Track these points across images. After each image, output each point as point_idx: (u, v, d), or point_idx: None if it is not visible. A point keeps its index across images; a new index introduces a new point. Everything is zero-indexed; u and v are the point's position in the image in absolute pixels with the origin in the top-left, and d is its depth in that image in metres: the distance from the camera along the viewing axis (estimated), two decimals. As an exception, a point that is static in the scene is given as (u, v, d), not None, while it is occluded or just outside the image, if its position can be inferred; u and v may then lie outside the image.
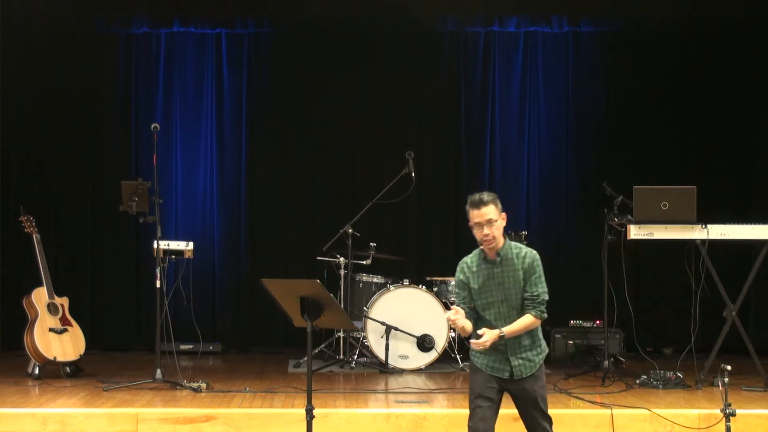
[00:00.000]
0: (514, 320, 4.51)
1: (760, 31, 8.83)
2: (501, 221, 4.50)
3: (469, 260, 4.62)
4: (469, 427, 4.55)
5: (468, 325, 4.49)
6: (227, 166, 9.05)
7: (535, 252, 4.59)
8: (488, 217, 4.44)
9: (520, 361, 4.52)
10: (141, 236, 8.64)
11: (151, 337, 6.96)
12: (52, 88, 8.76)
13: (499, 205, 4.51)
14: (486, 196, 4.49)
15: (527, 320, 4.52)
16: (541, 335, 4.66)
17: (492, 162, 9.11)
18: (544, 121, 9.16)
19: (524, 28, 9.08)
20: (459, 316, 4.40)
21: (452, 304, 4.57)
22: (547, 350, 4.69)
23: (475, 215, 4.46)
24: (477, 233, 4.49)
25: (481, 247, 4.56)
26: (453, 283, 4.62)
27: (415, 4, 8.61)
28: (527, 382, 4.55)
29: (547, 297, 4.57)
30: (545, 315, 4.58)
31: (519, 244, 4.61)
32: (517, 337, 4.51)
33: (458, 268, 4.62)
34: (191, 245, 7.45)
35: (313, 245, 8.47)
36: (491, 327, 4.48)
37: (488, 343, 4.41)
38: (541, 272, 4.56)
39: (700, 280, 6.73)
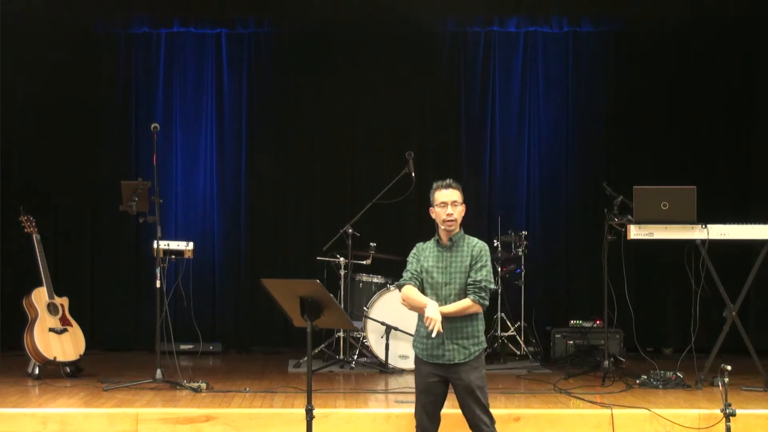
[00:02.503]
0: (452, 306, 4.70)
1: (760, 30, 8.83)
2: (462, 208, 4.80)
3: (424, 244, 4.90)
4: (416, 419, 4.84)
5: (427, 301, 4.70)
6: (227, 166, 9.04)
7: (485, 243, 4.85)
8: (453, 198, 4.76)
9: (455, 346, 4.68)
10: (141, 236, 8.64)
11: (151, 337, 6.96)
12: (52, 88, 8.76)
13: (462, 195, 4.82)
14: (452, 180, 4.85)
15: (465, 303, 4.70)
16: (482, 329, 4.82)
17: (492, 162, 9.11)
18: (544, 121, 9.16)
19: (524, 28, 9.08)
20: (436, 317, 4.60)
21: (405, 272, 4.87)
22: (485, 345, 4.84)
23: (444, 195, 4.78)
24: (440, 213, 4.76)
25: (440, 230, 4.80)
26: (408, 257, 4.94)
27: (415, 4, 8.61)
28: (463, 371, 4.70)
29: (491, 286, 4.75)
30: (486, 302, 4.76)
31: (473, 237, 4.87)
32: (455, 325, 4.68)
33: (415, 248, 4.92)
34: (191, 245, 7.44)
35: (313, 245, 8.47)
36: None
37: (437, 320, 4.55)
38: (488, 262, 4.78)
39: (700, 280, 6.73)
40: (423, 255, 4.82)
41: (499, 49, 9.13)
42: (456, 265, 4.73)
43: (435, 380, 4.73)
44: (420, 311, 4.69)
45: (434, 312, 4.55)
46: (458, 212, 4.76)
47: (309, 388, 4.71)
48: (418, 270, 4.78)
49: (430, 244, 4.86)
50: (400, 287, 4.79)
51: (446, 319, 4.63)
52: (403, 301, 4.78)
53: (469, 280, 4.70)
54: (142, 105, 9.01)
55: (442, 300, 4.69)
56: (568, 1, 8.87)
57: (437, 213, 4.78)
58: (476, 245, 4.78)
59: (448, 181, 4.84)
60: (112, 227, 8.79)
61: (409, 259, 4.86)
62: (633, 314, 7.20)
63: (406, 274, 4.80)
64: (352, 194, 8.97)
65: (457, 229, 4.79)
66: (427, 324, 4.53)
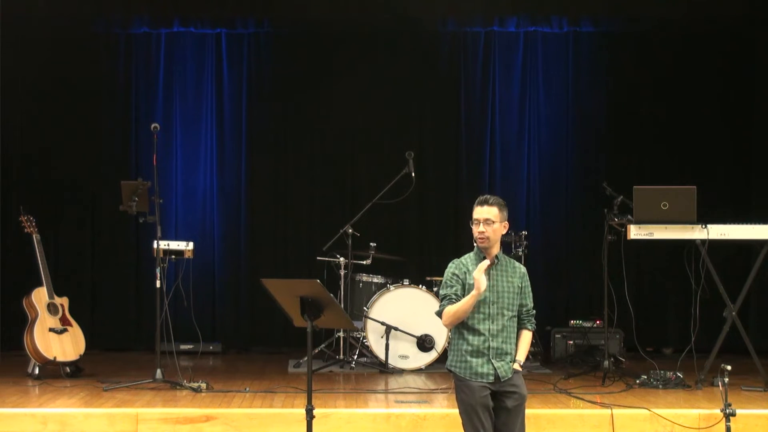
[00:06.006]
0: (501, 323, 4.56)
1: (760, 30, 8.84)
2: (500, 227, 4.62)
3: (465, 260, 4.68)
4: None
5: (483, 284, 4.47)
6: (227, 166, 9.05)
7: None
8: (486, 217, 4.57)
9: (502, 363, 4.56)
10: (141, 236, 8.64)
11: (151, 337, 6.96)
12: (52, 88, 8.76)
13: (504, 213, 4.64)
14: (492, 198, 4.64)
15: (528, 337, 4.73)
16: None
17: (492, 162, 9.11)
18: (544, 121, 9.16)
19: (524, 28, 9.08)
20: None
21: (444, 298, 4.62)
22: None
23: (478, 212, 4.60)
24: (474, 229, 4.61)
25: (477, 246, 4.64)
26: (446, 278, 4.66)
27: (415, 4, 8.61)
28: (516, 378, 4.58)
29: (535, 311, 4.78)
30: (535, 327, 4.78)
31: (510, 258, 4.78)
32: (500, 345, 4.55)
33: (452, 265, 4.67)
34: (191, 245, 7.44)
35: (313, 245, 8.47)
36: (477, 326, 4.53)
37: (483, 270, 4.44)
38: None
39: (700, 280, 6.73)
40: (467, 272, 4.57)
41: (499, 49, 9.13)
42: (503, 283, 4.60)
43: (487, 393, 4.54)
44: (472, 302, 4.45)
45: (477, 272, 4.42)
46: (492, 231, 4.55)
47: (309, 388, 4.70)
48: (461, 294, 4.55)
49: (471, 259, 4.63)
50: (441, 313, 4.56)
51: (494, 339, 4.54)
52: (451, 322, 4.52)
53: (524, 309, 4.67)
54: (142, 105, 9.01)
55: (491, 319, 4.54)
56: (568, 1, 8.87)
57: (473, 228, 4.61)
58: (521, 267, 4.70)
59: (485, 197, 4.63)
60: (112, 227, 8.80)
61: (448, 281, 4.61)
62: (633, 314, 7.19)
63: (446, 302, 4.56)
64: (352, 194, 8.97)
65: (494, 248, 4.60)
66: (484, 267, 4.40)
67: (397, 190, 7.89)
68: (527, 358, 7.82)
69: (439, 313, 4.60)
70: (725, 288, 6.81)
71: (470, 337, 4.56)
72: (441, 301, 4.64)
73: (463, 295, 4.55)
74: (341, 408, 5.88)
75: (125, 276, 8.89)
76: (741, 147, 9.02)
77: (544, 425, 5.73)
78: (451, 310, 4.52)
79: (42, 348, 6.94)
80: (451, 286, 4.60)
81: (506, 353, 4.57)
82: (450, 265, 4.67)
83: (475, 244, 4.65)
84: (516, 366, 4.60)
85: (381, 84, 8.96)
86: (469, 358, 4.56)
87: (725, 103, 9.02)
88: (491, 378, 4.53)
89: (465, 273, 4.59)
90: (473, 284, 4.49)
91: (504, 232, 4.65)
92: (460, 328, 4.60)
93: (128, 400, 6.10)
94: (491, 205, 4.59)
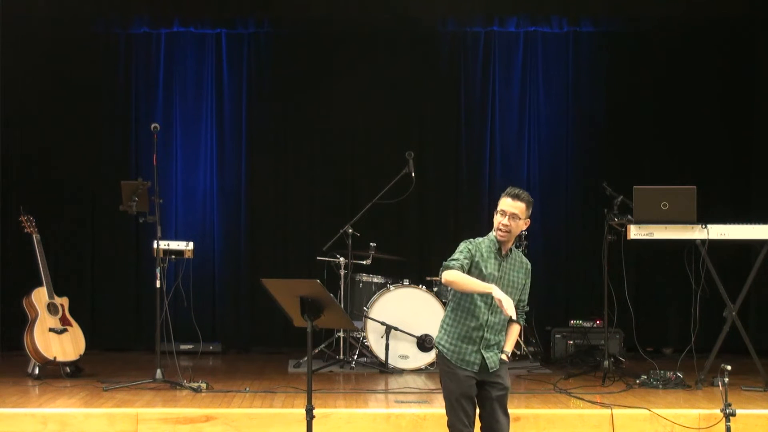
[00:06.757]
0: (499, 316, 4.54)
1: (760, 31, 8.84)
2: (523, 223, 4.59)
3: (480, 244, 4.59)
4: (454, 428, 4.57)
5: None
6: (227, 166, 9.05)
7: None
8: (513, 211, 4.52)
9: (491, 354, 4.55)
10: (141, 236, 8.65)
11: (151, 337, 6.97)
12: (52, 89, 8.75)
13: (530, 211, 4.60)
14: (524, 193, 4.58)
15: (517, 330, 4.71)
16: None
17: (492, 162, 9.11)
18: (544, 121, 9.16)
19: (524, 28, 9.08)
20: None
21: (455, 260, 4.50)
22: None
23: (506, 203, 4.55)
24: (497, 219, 4.56)
25: (494, 236, 4.57)
26: (459, 248, 4.58)
27: (415, 4, 8.62)
28: (502, 370, 4.59)
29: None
30: (524, 323, 4.81)
31: (519, 251, 4.76)
32: (493, 337, 4.55)
33: (468, 242, 4.59)
34: (191, 245, 7.44)
35: (313, 245, 8.47)
36: (478, 312, 4.51)
37: (510, 300, 4.32)
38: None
39: (700, 280, 6.73)
40: (480, 255, 4.53)
41: (499, 49, 9.13)
42: (509, 277, 4.58)
43: (472, 383, 4.56)
44: (478, 290, 4.40)
45: (503, 294, 4.31)
46: (516, 226, 4.52)
47: (309, 388, 4.70)
48: (469, 265, 4.50)
49: (487, 245, 4.57)
50: (445, 268, 4.46)
51: (489, 330, 4.53)
52: (452, 282, 4.40)
53: (520, 304, 4.63)
54: (142, 105, 9.01)
55: (492, 310, 4.52)
56: (568, 1, 8.88)
57: (495, 218, 4.56)
58: (527, 263, 4.68)
59: (518, 191, 4.56)
60: (112, 227, 8.81)
61: (462, 249, 4.55)
62: (633, 314, 7.20)
63: (455, 263, 4.46)
64: (352, 194, 8.97)
65: (510, 242, 4.59)
66: (503, 305, 4.26)
67: (397, 190, 7.89)
68: (527, 358, 7.93)
69: (446, 267, 4.47)
70: (725, 288, 6.81)
71: (466, 324, 4.55)
72: (450, 260, 4.50)
73: (468, 268, 4.49)
74: (341, 408, 5.89)
75: (125, 276, 8.89)
76: (741, 147, 9.01)
77: (544, 425, 5.73)
78: (460, 277, 4.39)
79: (42, 348, 6.94)
80: (464, 253, 4.52)
81: (496, 345, 4.58)
82: (465, 241, 4.61)
83: (493, 233, 4.59)
84: (503, 357, 4.60)
85: (381, 84, 8.95)
86: (460, 343, 4.57)
87: (725, 103, 9.02)
88: (476, 368, 4.53)
89: (478, 255, 4.53)
90: (483, 271, 4.47)
91: (525, 227, 4.63)
92: (459, 311, 4.57)
93: (128, 400, 6.10)
94: (522, 200, 4.53)
